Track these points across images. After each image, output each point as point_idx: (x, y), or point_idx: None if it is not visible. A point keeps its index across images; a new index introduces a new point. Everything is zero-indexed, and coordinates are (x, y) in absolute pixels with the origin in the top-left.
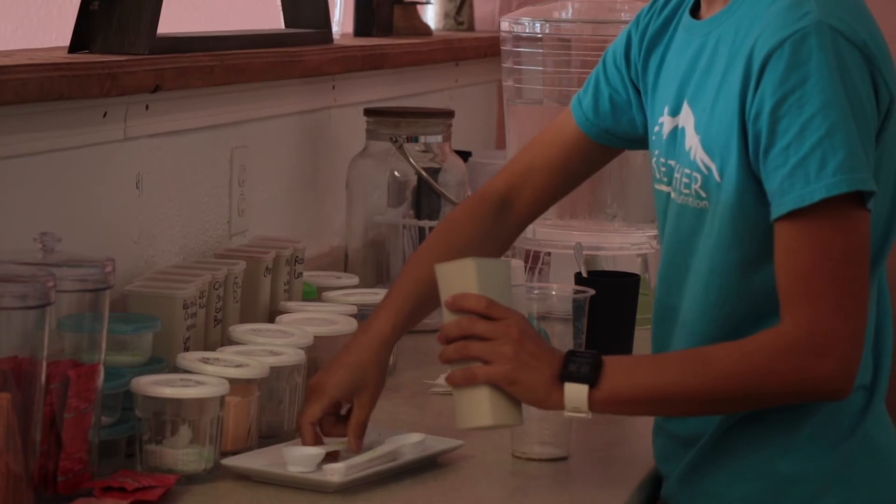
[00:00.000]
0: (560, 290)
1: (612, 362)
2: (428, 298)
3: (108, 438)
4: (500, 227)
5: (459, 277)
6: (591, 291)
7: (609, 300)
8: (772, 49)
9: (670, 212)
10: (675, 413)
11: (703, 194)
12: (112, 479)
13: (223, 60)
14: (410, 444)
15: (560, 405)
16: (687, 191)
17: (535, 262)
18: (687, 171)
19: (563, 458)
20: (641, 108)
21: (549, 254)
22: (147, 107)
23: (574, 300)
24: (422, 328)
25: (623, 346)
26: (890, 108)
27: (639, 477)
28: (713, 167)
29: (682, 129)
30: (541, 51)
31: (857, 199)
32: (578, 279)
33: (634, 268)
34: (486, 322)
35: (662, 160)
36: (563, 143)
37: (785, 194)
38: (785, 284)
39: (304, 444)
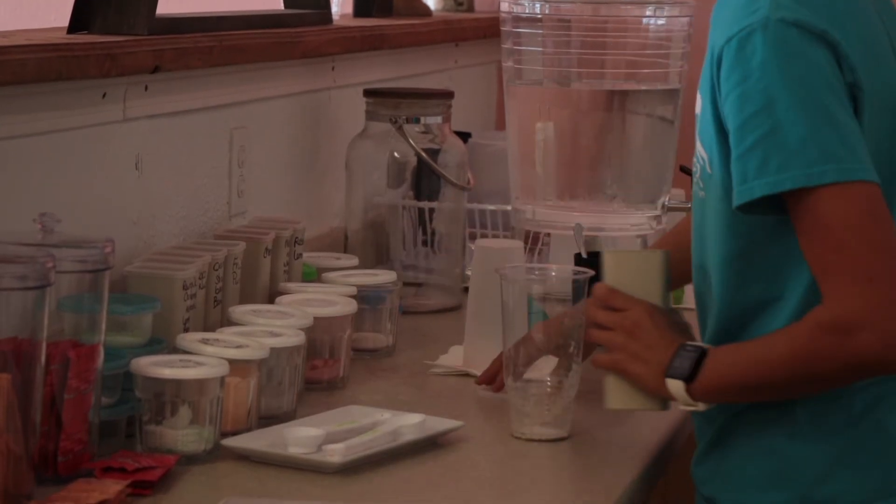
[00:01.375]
0: (560, 270)
1: (712, 355)
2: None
3: (107, 419)
4: None
5: (603, 266)
6: (591, 272)
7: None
8: (722, 46)
9: (694, 194)
10: (762, 398)
11: (701, 184)
12: (112, 459)
13: (222, 41)
14: (410, 424)
15: (668, 395)
16: (696, 178)
17: (535, 242)
18: (696, 158)
19: (564, 440)
20: None
21: (548, 234)
22: (146, 87)
23: (574, 281)
24: (421, 309)
25: None
26: (855, 95)
27: (640, 459)
28: (706, 158)
29: (698, 114)
30: (540, 31)
31: (832, 186)
32: (578, 260)
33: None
34: (606, 312)
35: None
36: None
37: (734, 187)
38: (811, 268)
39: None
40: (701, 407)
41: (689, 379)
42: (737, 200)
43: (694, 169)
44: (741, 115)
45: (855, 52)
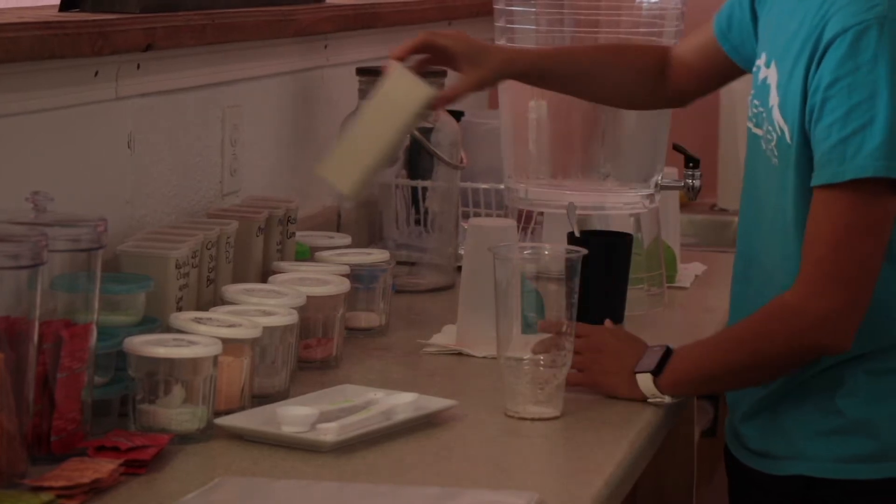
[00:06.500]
0: (553, 249)
1: (677, 352)
2: (565, 74)
3: (101, 398)
4: (659, 80)
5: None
6: (584, 251)
7: (602, 260)
8: (836, 34)
9: (759, 156)
10: (727, 388)
11: (776, 152)
12: (105, 438)
13: (215, 19)
14: (403, 403)
15: (640, 395)
16: (770, 146)
17: (528, 221)
18: (769, 126)
19: (557, 418)
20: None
21: (541, 213)
22: (139, 66)
23: (567, 260)
24: (414, 288)
25: (616, 305)
26: None
27: (633, 437)
28: (786, 129)
29: (770, 84)
30: (533, 9)
31: (887, 182)
32: (571, 239)
33: (627, 227)
34: (576, 339)
35: (756, 102)
36: (706, 38)
37: (823, 167)
38: (804, 248)
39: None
40: (667, 399)
41: (656, 372)
42: (829, 178)
43: (768, 137)
44: (848, 103)
45: None
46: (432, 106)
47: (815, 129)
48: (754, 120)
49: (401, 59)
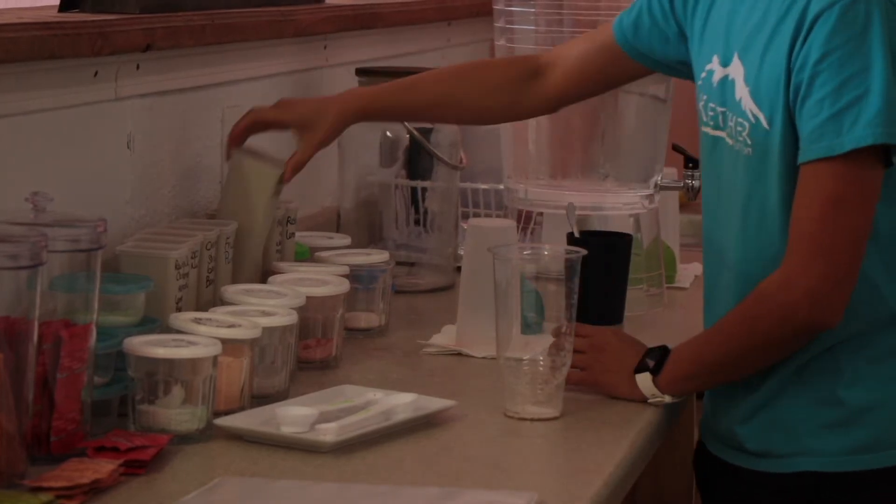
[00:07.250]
0: (552, 250)
1: (675, 350)
2: (410, 107)
3: (100, 398)
4: (525, 90)
5: None
6: (584, 251)
7: (601, 260)
8: (822, 9)
9: (723, 155)
10: (725, 379)
11: (749, 141)
12: (105, 438)
13: (214, 19)
14: (403, 403)
15: (640, 395)
16: (739, 138)
17: (528, 222)
18: (739, 119)
19: (556, 419)
20: (680, 44)
21: (541, 214)
22: (138, 66)
23: (566, 260)
24: (414, 288)
25: (615, 305)
26: None
27: (632, 438)
28: (761, 116)
29: (733, 80)
30: (533, 10)
31: (880, 153)
32: (571, 239)
33: (626, 228)
34: (577, 339)
35: (711, 105)
36: (600, 43)
37: (815, 142)
38: (791, 226)
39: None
40: (668, 399)
41: (655, 371)
42: (824, 152)
43: (738, 129)
44: (840, 76)
45: None
46: (283, 181)
47: (802, 106)
48: (712, 123)
49: (237, 142)
